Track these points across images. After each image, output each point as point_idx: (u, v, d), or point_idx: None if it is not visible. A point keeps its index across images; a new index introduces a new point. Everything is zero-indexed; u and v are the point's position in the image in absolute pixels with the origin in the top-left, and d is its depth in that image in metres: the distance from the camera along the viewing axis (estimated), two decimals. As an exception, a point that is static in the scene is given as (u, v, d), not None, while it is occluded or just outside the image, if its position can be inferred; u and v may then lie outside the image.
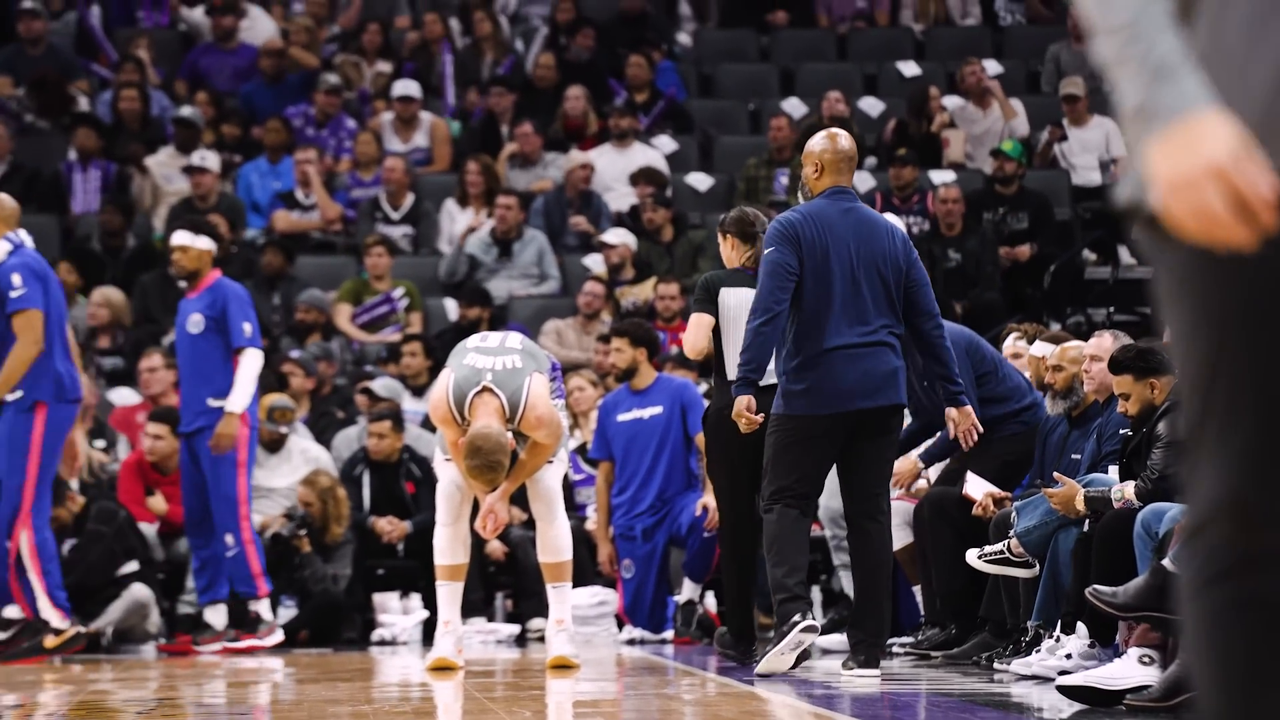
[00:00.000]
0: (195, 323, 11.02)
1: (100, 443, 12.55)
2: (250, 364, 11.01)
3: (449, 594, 8.97)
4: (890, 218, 10.08)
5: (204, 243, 11.11)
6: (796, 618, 8.13)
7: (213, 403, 10.97)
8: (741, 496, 9.14)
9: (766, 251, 8.20)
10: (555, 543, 8.92)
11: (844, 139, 8.42)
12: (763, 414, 8.29)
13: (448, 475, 8.85)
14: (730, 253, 9.19)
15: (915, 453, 9.60)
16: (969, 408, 8.49)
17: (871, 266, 8.23)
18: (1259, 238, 2.46)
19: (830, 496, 9.99)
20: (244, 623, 11.25)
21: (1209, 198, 2.43)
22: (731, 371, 9.01)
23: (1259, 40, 2.52)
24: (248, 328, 10.99)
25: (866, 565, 8.28)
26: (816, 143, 8.43)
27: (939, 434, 9.44)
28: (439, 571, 8.97)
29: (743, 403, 8.17)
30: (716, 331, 9.07)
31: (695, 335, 9.05)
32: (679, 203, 15.68)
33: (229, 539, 11.03)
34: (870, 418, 8.18)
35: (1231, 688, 2.53)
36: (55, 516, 11.49)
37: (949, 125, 16.16)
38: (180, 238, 11.11)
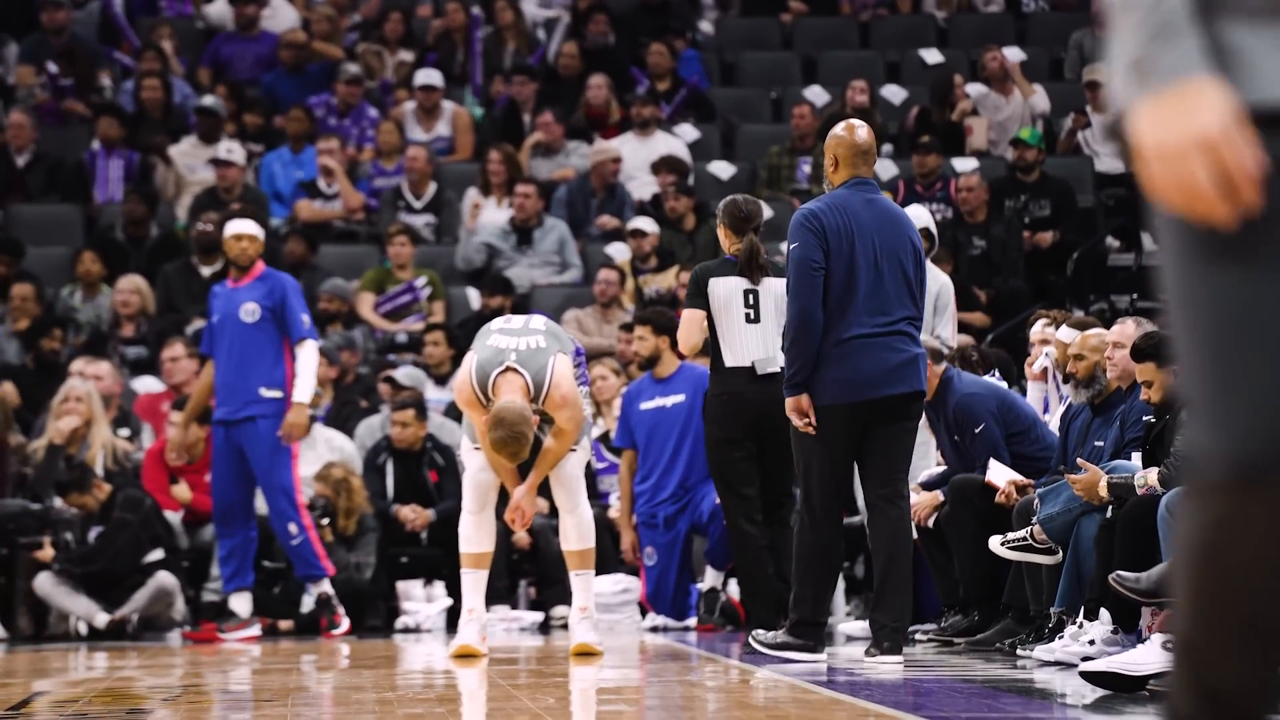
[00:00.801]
0: (250, 311, 11.04)
1: (125, 431, 12.59)
2: (312, 355, 11.13)
3: (473, 582, 9.00)
4: (916, 209, 10.11)
5: (262, 233, 11.23)
6: (811, 643, 8.23)
7: (265, 392, 11.02)
8: (742, 484, 9.19)
9: (791, 247, 8.21)
10: (578, 531, 8.94)
11: (862, 131, 8.41)
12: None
13: (475, 464, 8.89)
14: (724, 240, 9.27)
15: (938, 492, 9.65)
16: None
17: (894, 257, 8.23)
18: (1238, 216, 2.40)
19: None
20: (266, 609, 11.33)
21: (1195, 170, 2.37)
22: (729, 359, 9.14)
23: None
24: (306, 319, 11.13)
25: (887, 549, 8.27)
26: (834, 135, 8.44)
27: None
28: (464, 559, 8.99)
29: (792, 403, 8.14)
30: (711, 323, 9.13)
31: (688, 331, 9.16)
32: (701, 191, 15.67)
33: (292, 528, 11.11)
34: (890, 404, 8.18)
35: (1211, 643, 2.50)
36: (82, 504, 11.53)
37: (971, 113, 16.13)
38: (246, 226, 11.14)
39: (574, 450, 8.85)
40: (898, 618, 8.22)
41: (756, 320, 9.08)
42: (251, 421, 10.99)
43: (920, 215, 10.61)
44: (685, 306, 9.21)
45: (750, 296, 9.13)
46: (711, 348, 9.20)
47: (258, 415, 10.98)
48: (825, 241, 8.13)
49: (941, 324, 10.39)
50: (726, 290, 9.12)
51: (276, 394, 10.99)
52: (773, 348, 9.14)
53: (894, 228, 8.28)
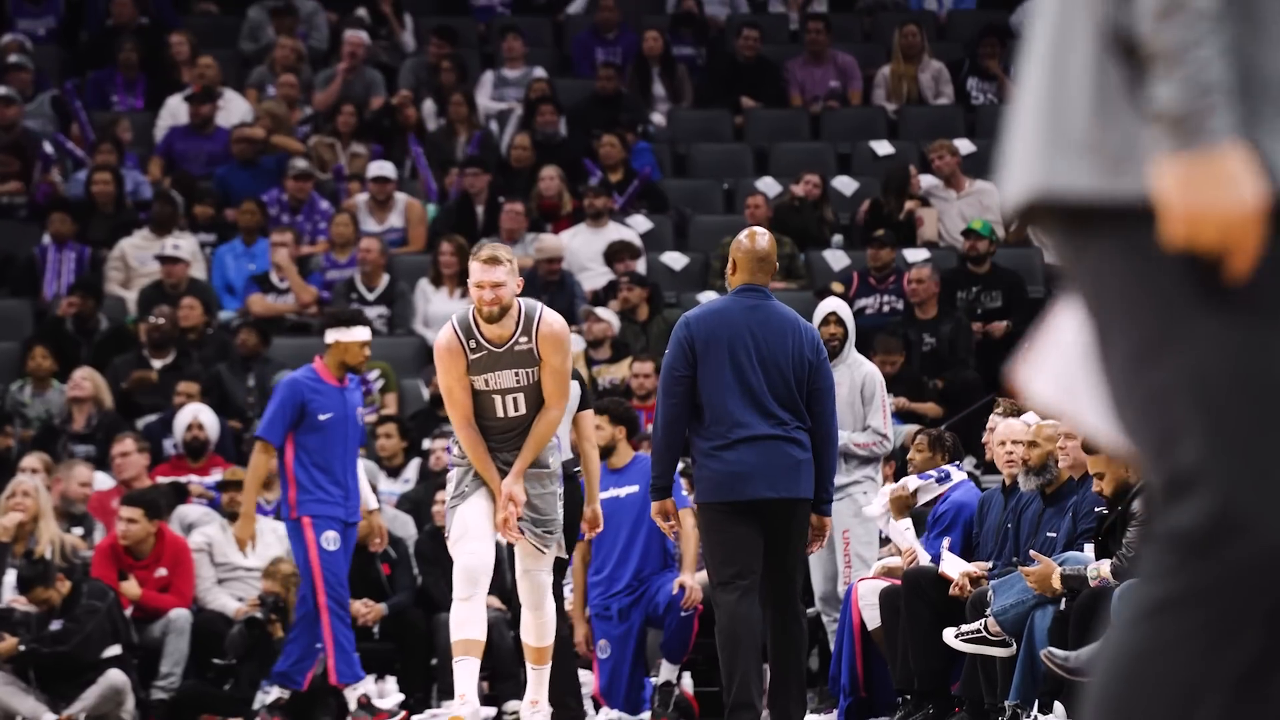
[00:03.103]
0: (362, 415, 11.23)
1: (79, 530, 12.48)
2: None
3: (465, 669, 8.74)
4: (830, 301, 10.27)
5: None
6: None
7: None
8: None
9: (667, 350, 8.52)
10: (541, 629, 8.89)
11: (761, 239, 8.63)
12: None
13: (463, 557, 8.69)
14: None
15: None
16: (829, 520, 8.67)
17: (772, 363, 8.42)
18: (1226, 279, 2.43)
19: (824, 580, 10.11)
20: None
21: (1224, 236, 2.41)
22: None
23: None
24: None
25: (783, 657, 8.48)
26: (737, 240, 8.69)
27: None
28: (455, 646, 8.75)
29: (656, 507, 8.53)
30: None
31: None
32: (653, 281, 15.68)
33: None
34: (773, 509, 8.35)
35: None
36: (45, 599, 11.38)
37: (923, 204, 16.20)
38: (368, 333, 11.18)
39: (545, 551, 8.73)
40: (790, 714, 8.34)
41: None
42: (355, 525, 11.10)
43: (828, 305, 10.73)
44: None
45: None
46: None
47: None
48: (692, 350, 8.37)
49: (871, 413, 10.40)
50: (572, 395, 9.36)
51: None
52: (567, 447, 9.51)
53: (777, 333, 8.46)
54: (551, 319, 8.60)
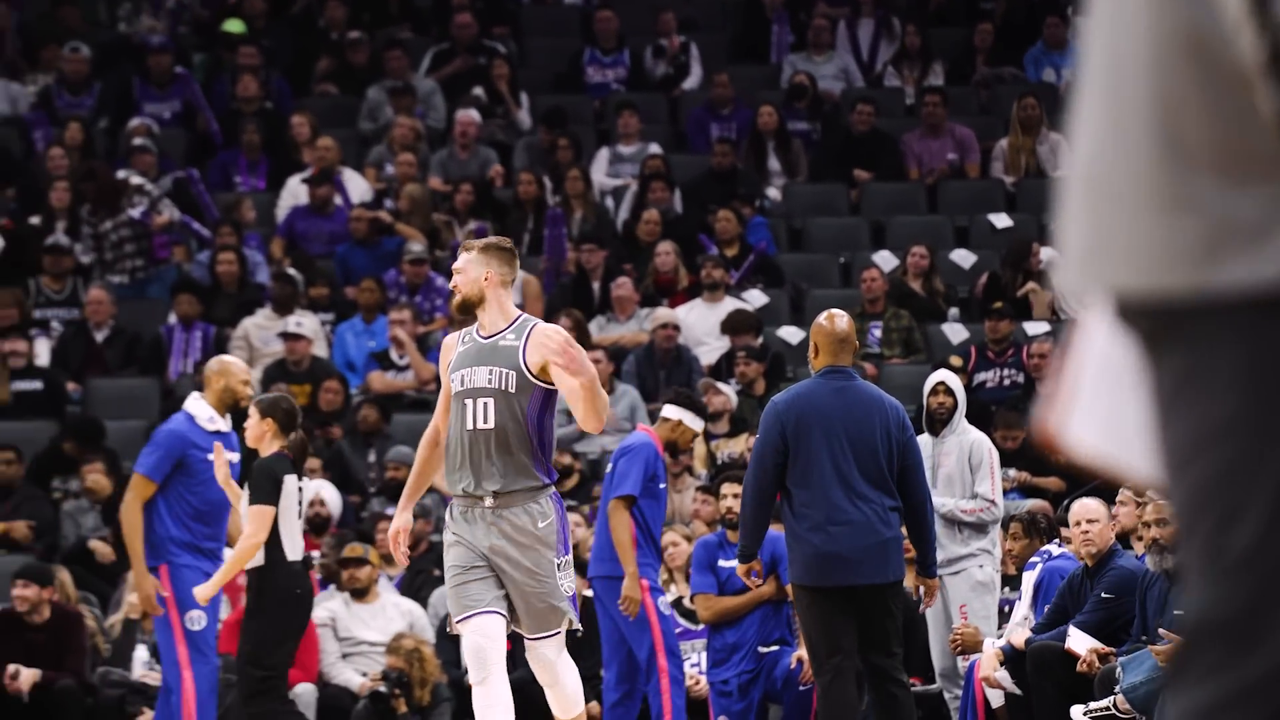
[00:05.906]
0: None
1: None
2: None
3: None
4: (940, 372, 10.29)
5: None
6: None
7: None
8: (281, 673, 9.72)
9: (758, 434, 8.78)
10: (566, 701, 8.33)
11: (841, 320, 8.80)
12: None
13: (469, 636, 8.08)
14: (270, 438, 9.51)
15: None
16: (935, 582, 8.96)
17: (861, 443, 8.57)
18: None
19: (942, 655, 10.05)
20: None
21: None
22: (289, 554, 9.45)
23: None
24: None
25: None
26: (816, 323, 8.89)
27: None
28: None
29: (743, 568, 8.82)
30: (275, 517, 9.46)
31: (259, 528, 9.32)
32: (772, 352, 15.67)
33: None
34: (863, 592, 8.53)
35: None
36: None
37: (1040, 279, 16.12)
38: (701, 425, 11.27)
39: (554, 635, 8.11)
40: None
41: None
42: None
43: (937, 375, 10.69)
44: (261, 502, 9.37)
45: (301, 493, 9.56)
46: (272, 542, 9.42)
47: None
48: (783, 435, 8.58)
49: (979, 480, 10.35)
50: (291, 486, 9.46)
51: None
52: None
53: (863, 415, 8.60)
54: (548, 326, 8.23)
